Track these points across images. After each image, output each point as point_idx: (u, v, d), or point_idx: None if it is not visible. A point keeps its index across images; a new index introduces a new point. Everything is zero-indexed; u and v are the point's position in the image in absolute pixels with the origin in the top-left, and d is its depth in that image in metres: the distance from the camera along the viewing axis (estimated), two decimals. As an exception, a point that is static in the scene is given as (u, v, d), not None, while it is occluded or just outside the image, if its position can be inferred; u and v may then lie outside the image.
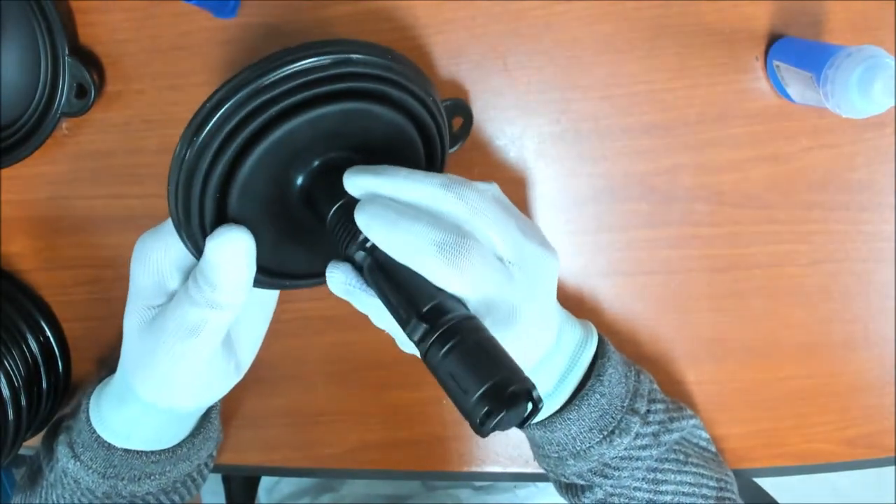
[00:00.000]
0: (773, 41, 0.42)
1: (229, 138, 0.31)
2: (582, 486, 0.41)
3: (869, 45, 0.34)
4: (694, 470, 0.42)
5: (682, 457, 0.42)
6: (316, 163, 0.34)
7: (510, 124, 0.45)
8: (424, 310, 0.29)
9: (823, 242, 0.45)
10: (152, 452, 0.40)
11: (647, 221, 0.46)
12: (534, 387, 0.27)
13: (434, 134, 0.37)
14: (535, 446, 0.43)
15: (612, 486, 0.40)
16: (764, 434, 0.49)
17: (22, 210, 0.49)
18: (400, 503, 0.62)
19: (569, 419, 0.38)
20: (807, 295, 0.46)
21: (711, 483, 0.42)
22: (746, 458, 0.49)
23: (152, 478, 0.41)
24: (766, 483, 0.64)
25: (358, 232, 0.32)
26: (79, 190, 0.48)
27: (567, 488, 0.43)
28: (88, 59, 0.45)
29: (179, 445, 0.41)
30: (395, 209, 0.31)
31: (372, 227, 0.31)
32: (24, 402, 0.47)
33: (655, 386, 0.43)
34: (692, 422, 0.44)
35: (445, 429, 0.51)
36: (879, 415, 0.48)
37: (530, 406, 0.27)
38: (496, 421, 0.26)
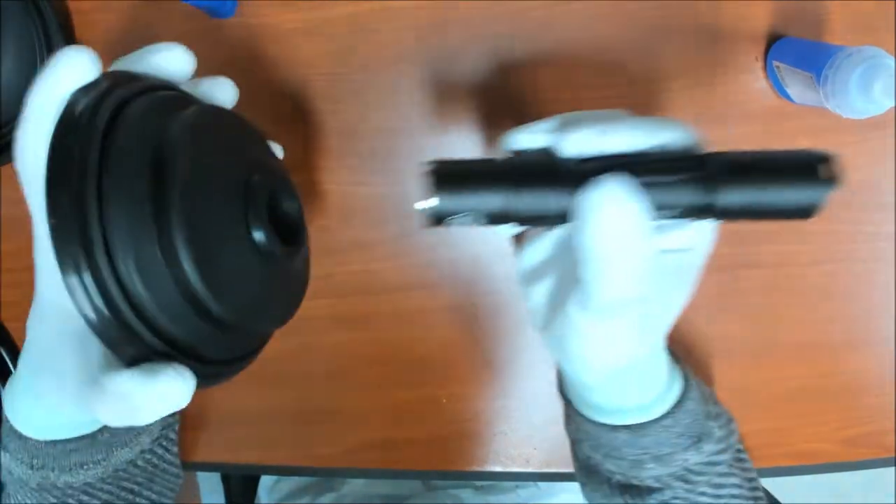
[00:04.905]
0: (773, 41, 0.42)
1: None
2: (650, 488, 0.39)
3: (869, 45, 0.34)
4: (736, 472, 0.41)
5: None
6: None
7: (511, 124, 0.45)
8: (686, 160, 0.27)
9: (824, 242, 0.45)
10: (69, 440, 0.34)
11: (647, 221, 0.46)
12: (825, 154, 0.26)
13: None
14: (604, 447, 0.38)
15: (686, 490, 0.39)
16: (764, 434, 0.49)
17: (22, 209, 0.49)
18: (400, 503, 0.62)
19: (664, 425, 0.36)
20: (807, 295, 0.46)
21: (747, 484, 0.42)
22: (746, 457, 0.49)
23: (85, 467, 0.35)
24: (767, 483, 0.64)
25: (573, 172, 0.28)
26: (79, 190, 0.48)
27: (626, 489, 0.40)
28: (88, 59, 0.45)
29: (100, 431, 0.35)
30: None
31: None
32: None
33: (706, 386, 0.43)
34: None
35: (445, 429, 0.51)
36: (879, 415, 0.48)
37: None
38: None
